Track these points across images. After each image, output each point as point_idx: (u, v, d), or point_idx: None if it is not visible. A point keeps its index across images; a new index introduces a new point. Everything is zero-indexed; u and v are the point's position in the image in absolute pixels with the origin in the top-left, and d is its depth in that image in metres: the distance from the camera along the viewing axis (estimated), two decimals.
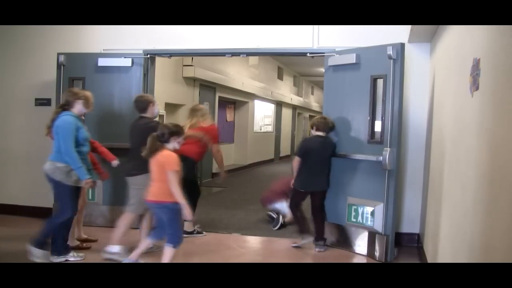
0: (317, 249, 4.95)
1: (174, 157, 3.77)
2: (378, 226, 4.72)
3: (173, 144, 3.85)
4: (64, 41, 6.05)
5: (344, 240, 5.03)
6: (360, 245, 4.88)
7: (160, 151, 3.78)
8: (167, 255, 3.85)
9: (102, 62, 5.64)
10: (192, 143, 5.15)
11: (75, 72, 5.75)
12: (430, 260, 4.23)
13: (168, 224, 3.83)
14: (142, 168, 4.07)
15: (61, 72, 5.74)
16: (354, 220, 4.92)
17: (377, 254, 4.69)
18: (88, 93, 4.47)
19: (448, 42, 3.91)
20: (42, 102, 6.16)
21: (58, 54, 5.74)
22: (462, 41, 3.21)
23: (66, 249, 4.39)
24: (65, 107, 4.32)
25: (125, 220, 4.52)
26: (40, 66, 6.17)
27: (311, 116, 24.62)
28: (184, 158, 4.49)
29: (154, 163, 3.81)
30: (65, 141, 4.16)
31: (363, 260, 4.74)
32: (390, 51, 4.58)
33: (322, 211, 5.04)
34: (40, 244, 4.24)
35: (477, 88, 2.56)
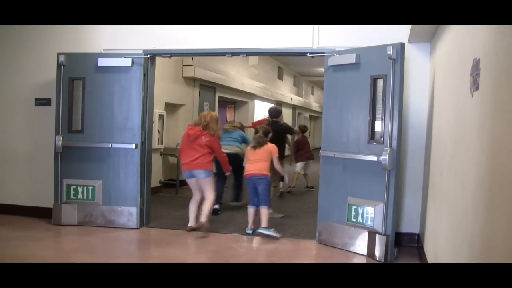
0: None
1: (276, 147, 5.71)
2: (378, 226, 4.72)
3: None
4: (64, 41, 6.04)
5: (344, 240, 5.03)
6: (360, 245, 4.88)
7: (265, 143, 5.66)
8: (265, 214, 5.45)
9: (102, 62, 5.63)
10: None
11: (75, 72, 5.74)
12: (430, 260, 4.23)
13: (263, 191, 5.48)
14: (281, 157, 6.17)
15: (61, 72, 5.73)
16: (354, 220, 4.92)
17: (377, 254, 4.69)
18: None
19: (448, 42, 3.91)
20: (42, 102, 6.15)
21: (58, 54, 5.73)
22: (462, 41, 3.21)
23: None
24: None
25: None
26: (40, 66, 6.16)
27: (311, 116, 24.63)
28: None
29: (262, 150, 5.61)
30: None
31: (363, 260, 4.74)
32: (390, 51, 4.58)
33: None
34: (239, 197, 7.20)
35: (477, 88, 2.56)
